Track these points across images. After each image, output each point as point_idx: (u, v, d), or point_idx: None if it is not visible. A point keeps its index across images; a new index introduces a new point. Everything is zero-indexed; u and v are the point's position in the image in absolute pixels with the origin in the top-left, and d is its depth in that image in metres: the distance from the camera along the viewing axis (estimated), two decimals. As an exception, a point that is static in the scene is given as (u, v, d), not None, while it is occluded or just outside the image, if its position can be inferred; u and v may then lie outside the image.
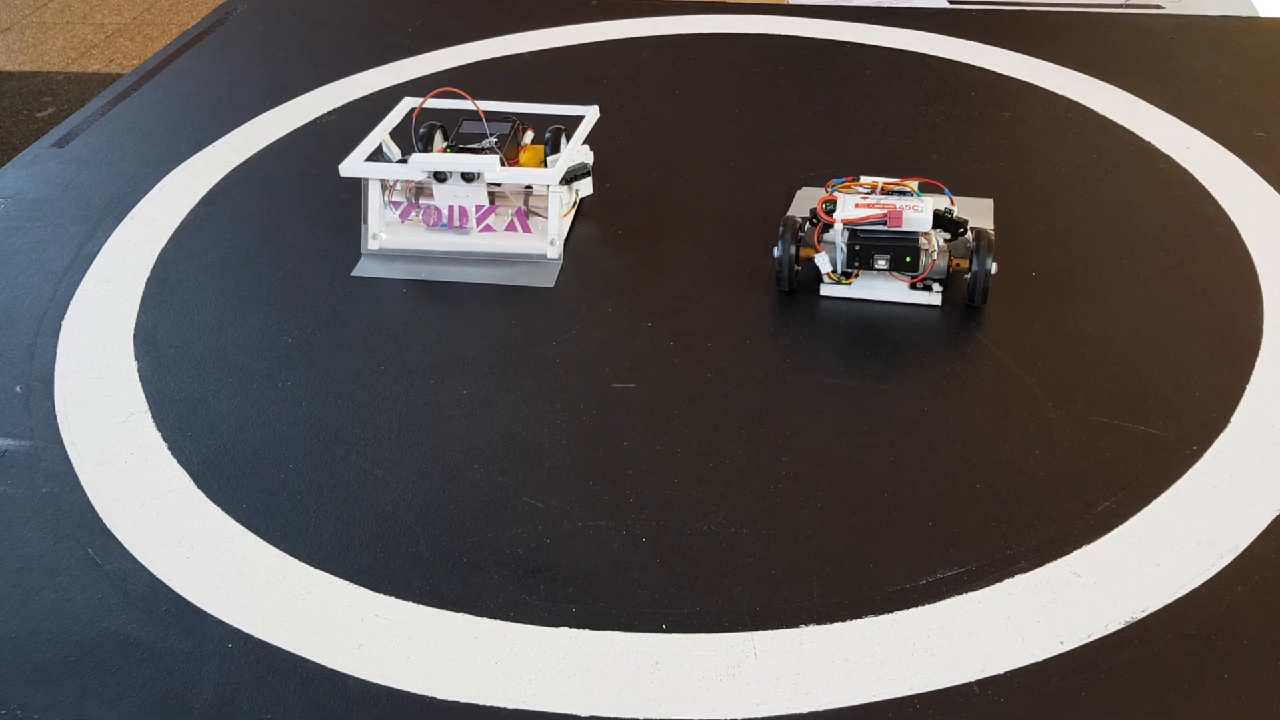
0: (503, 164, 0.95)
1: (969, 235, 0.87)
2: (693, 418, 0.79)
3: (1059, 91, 1.17)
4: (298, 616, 0.66)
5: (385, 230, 0.98)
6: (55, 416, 0.82)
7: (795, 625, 0.64)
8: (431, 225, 0.98)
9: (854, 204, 0.87)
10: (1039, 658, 0.62)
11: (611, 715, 0.60)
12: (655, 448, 0.77)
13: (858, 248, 0.86)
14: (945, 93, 1.18)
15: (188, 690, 0.62)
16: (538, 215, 0.97)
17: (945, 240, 0.88)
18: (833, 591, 0.66)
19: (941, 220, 0.87)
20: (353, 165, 0.96)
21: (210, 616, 0.66)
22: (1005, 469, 0.74)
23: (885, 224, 0.86)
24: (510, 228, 0.98)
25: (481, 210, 0.97)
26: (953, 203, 0.90)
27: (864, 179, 0.90)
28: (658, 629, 0.65)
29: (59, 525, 0.73)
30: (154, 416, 0.81)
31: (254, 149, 1.13)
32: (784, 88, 1.20)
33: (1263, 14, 1.38)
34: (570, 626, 0.65)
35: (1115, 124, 1.12)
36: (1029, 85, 1.18)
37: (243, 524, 0.72)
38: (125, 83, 1.27)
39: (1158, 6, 1.41)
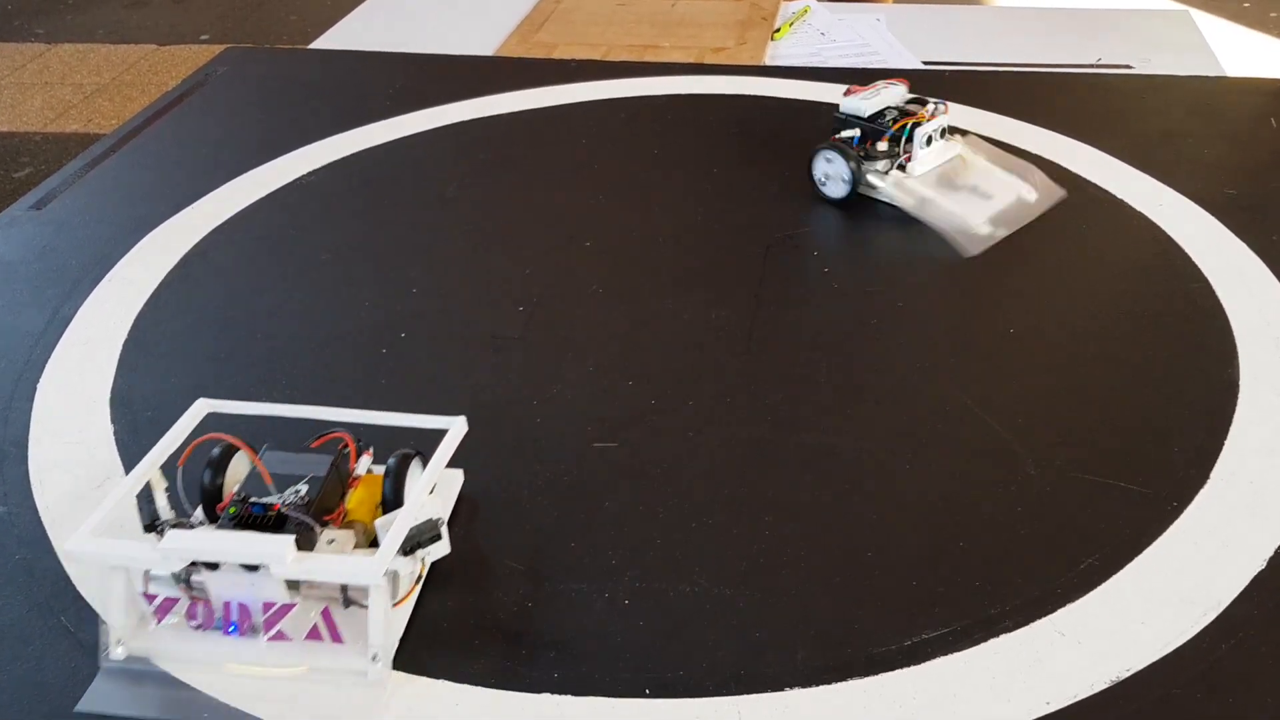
0: (303, 543, 0.62)
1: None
2: (674, 477, 0.79)
3: (1032, 149, 1.19)
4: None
5: (132, 633, 0.65)
6: (29, 481, 0.81)
7: (780, 689, 0.64)
8: (198, 627, 0.65)
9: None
10: None
11: (595, 783, 0.60)
12: (637, 508, 0.76)
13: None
14: (920, 151, 1.19)
15: (162, 763, 0.61)
16: (358, 605, 0.65)
17: None
18: (817, 653, 0.66)
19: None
20: (84, 541, 0.63)
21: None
22: (987, 527, 0.74)
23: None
24: (313, 634, 0.65)
25: (271, 609, 0.64)
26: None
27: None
28: (641, 694, 0.64)
29: (31, 593, 0.72)
30: (130, 481, 0.80)
31: (233, 210, 1.13)
32: (761, 147, 1.22)
33: (1230, 73, 1.40)
34: (553, 693, 0.64)
35: (1088, 181, 1.13)
36: (1002, 144, 1.20)
37: (219, 590, 0.71)
38: (104, 144, 1.27)
39: (1127, 67, 1.44)
